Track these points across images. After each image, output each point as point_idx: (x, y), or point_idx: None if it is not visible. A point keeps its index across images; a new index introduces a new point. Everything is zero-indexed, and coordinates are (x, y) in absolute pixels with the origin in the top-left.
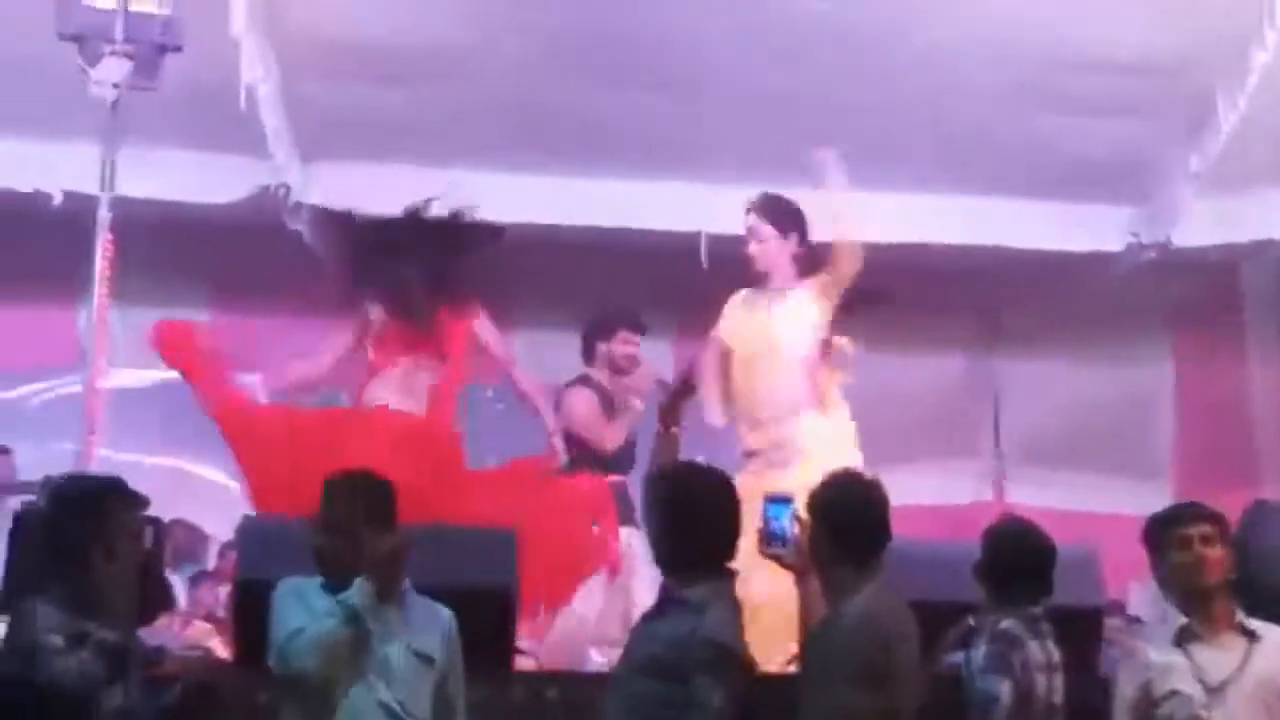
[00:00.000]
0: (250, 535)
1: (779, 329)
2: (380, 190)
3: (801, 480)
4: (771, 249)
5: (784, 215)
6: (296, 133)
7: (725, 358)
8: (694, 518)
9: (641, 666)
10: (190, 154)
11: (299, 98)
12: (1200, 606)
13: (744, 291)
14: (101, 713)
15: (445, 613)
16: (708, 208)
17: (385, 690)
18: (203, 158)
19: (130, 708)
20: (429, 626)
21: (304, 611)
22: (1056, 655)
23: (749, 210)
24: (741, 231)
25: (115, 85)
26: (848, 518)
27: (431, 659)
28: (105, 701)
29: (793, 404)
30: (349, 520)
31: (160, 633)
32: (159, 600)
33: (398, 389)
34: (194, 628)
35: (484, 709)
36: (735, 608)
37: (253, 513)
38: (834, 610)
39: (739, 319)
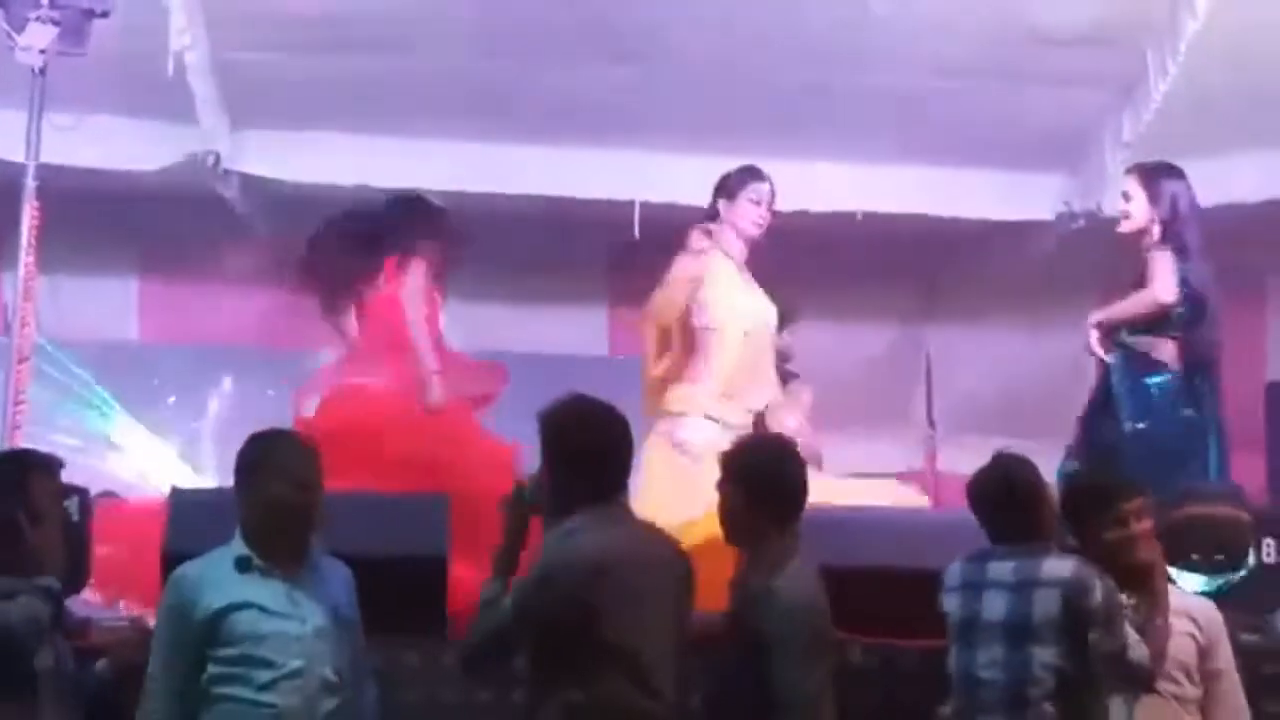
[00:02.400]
0: (177, 506)
1: None
2: (310, 158)
3: None
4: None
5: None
6: (225, 100)
7: None
8: (575, 455)
9: None
10: (118, 120)
11: (228, 64)
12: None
13: None
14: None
15: (345, 568)
16: (642, 176)
17: (320, 660)
18: (130, 124)
19: (62, 670)
20: (340, 586)
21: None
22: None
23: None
24: (677, 200)
25: (42, 51)
26: (767, 480)
27: (351, 621)
28: (39, 661)
29: None
30: (318, 477)
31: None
32: (86, 570)
33: None
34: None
35: (419, 676)
36: (606, 531)
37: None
38: (763, 580)
39: None
